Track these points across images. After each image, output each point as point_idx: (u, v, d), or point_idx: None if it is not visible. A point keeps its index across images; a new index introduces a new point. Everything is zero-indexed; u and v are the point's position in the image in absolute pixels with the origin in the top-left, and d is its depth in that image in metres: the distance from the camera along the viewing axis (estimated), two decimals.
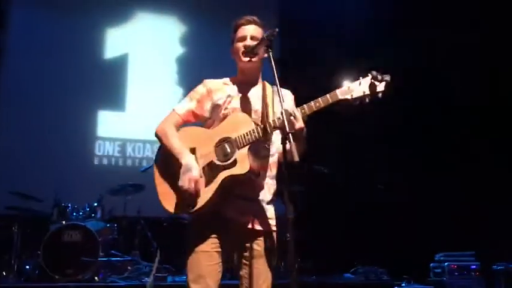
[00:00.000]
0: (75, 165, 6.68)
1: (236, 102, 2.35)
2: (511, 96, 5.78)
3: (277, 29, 2.16)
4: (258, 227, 2.27)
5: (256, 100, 2.37)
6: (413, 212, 6.18)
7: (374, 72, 2.07)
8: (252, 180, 2.22)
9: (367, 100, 2.09)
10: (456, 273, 5.36)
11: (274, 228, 2.32)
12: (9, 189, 5.33)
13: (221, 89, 2.40)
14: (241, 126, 2.21)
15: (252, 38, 2.35)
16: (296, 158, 1.86)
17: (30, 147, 6.55)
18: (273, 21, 7.07)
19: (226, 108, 2.34)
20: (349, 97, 2.09)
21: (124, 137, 7.24)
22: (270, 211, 2.33)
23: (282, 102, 2.03)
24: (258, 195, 2.30)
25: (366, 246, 6.18)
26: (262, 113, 2.32)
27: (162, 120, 2.40)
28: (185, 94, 2.50)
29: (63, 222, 5.18)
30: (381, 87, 2.06)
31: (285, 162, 1.96)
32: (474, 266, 5.38)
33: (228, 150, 2.21)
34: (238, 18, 2.43)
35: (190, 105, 2.40)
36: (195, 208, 2.20)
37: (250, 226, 2.25)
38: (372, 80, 2.06)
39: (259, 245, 2.27)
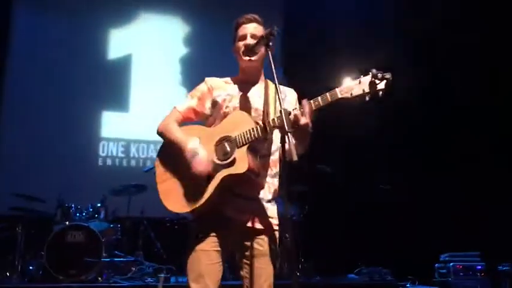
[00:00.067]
0: (79, 166, 6.72)
1: (236, 101, 2.35)
2: (511, 96, 5.75)
3: (276, 27, 2.15)
4: (258, 226, 2.26)
5: (257, 99, 2.36)
6: (419, 212, 6.16)
7: (374, 71, 2.02)
8: (251, 179, 2.20)
9: (367, 98, 2.05)
10: (461, 274, 5.32)
11: (275, 227, 2.30)
12: (14, 190, 5.36)
13: (222, 87, 2.41)
14: (241, 125, 2.20)
15: (253, 36, 2.34)
16: (295, 158, 1.85)
17: (35, 148, 6.59)
18: (277, 21, 7.09)
19: (227, 107, 2.34)
20: (348, 95, 2.05)
21: (128, 137, 7.26)
22: (271, 210, 2.31)
23: (281, 100, 2.02)
24: (258, 194, 2.28)
25: (370, 247, 6.16)
26: (264, 112, 2.31)
27: (164, 118, 2.41)
28: None
29: (67, 222, 5.20)
30: (381, 85, 2.02)
31: (283, 161, 1.94)
32: (480, 267, 5.34)
33: (228, 149, 2.20)
34: (239, 17, 2.43)
35: (191, 102, 2.40)
36: (195, 206, 2.20)
37: (250, 225, 2.24)
38: (372, 78, 2.02)
39: (260, 244, 2.25)
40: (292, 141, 1.88)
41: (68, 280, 4.83)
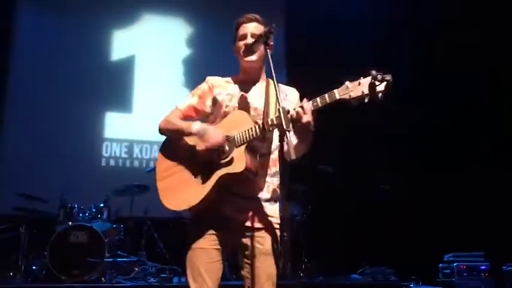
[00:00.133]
0: (83, 167, 6.72)
1: (236, 101, 2.35)
2: (511, 96, 5.72)
3: (274, 25, 2.15)
4: (257, 225, 2.25)
5: (258, 98, 2.36)
6: (423, 212, 6.14)
7: (374, 72, 1.97)
8: (249, 179, 2.20)
9: (366, 100, 2.00)
10: (465, 274, 5.30)
11: (276, 225, 2.28)
12: (17, 190, 5.37)
13: (223, 86, 2.42)
14: (241, 124, 2.20)
15: (253, 36, 2.34)
16: (293, 156, 1.84)
17: (38, 149, 6.60)
18: (279, 21, 7.09)
19: (227, 106, 2.35)
20: (347, 97, 2.01)
21: (131, 138, 7.26)
22: (270, 209, 2.29)
23: (281, 99, 2.02)
24: (257, 193, 2.28)
25: (373, 247, 6.14)
26: (264, 111, 2.31)
27: (164, 117, 2.43)
28: None
29: (70, 223, 5.21)
30: (380, 87, 1.96)
31: (282, 160, 1.93)
32: (484, 267, 5.31)
33: (227, 148, 2.20)
34: (240, 17, 2.43)
35: (192, 100, 2.42)
36: (192, 204, 2.20)
37: (249, 224, 2.24)
38: (372, 80, 1.97)
39: (260, 243, 2.24)
40: (291, 139, 1.87)
41: (71, 280, 4.84)
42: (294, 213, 5.94)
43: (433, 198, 6.12)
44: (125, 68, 7.43)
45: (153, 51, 7.59)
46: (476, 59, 6.03)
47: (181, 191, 2.26)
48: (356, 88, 2.00)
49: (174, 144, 2.39)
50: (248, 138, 2.16)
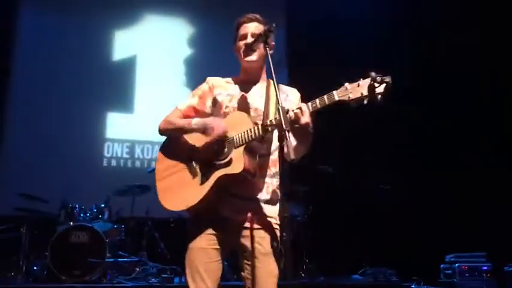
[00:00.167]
0: (84, 167, 6.72)
1: (236, 101, 2.35)
2: (511, 96, 5.71)
3: (274, 25, 2.14)
4: (256, 226, 2.24)
5: (258, 98, 2.36)
6: (424, 213, 6.13)
7: (373, 74, 1.95)
8: (248, 180, 2.20)
9: (365, 102, 1.98)
10: (467, 275, 5.26)
11: (275, 226, 2.26)
12: (18, 190, 5.38)
13: (223, 86, 2.42)
14: (240, 125, 2.20)
15: (253, 35, 2.34)
16: (292, 156, 1.84)
17: (40, 149, 6.60)
18: (280, 21, 7.07)
19: (227, 107, 2.35)
20: (346, 98, 1.99)
21: (132, 138, 7.26)
22: (269, 210, 2.28)
23: (281, 99, 2.02)
24: (256, 194, 2.27)
25: (375, 247, 6.13)
26: (264, 112, 2.31)
27: (164, 117, 2.44)
28: None
29: (71, 223, 5.21)
30: (380, 89, 1.94)
31: (281, 160, 1.93)
32: (485, 267, 5.27)
33: (226, 149, 2.21)
34: (241, 16, 2.43)
35: (192, 101, 2.43)
36: (190, 204, 2.20)
37: (247, 225, 2.24)
38: (372, 82, 1.95)
39: (259, 244, 2.23)
40: (291, 139, 1.87)
41: (72, 280, 4.84)
42: (295, 213, 5.94)
43: (433, 198, 6.10)
44: (127, 68, 7.44)
45: (155, 51, 7.59)
46: (476, 59, 6.02)
47: (180, 191, 2.26)
48: (355, 89, 1.99)
49: (173, 144, 2.39)
50: (247, 139, 2.16)
